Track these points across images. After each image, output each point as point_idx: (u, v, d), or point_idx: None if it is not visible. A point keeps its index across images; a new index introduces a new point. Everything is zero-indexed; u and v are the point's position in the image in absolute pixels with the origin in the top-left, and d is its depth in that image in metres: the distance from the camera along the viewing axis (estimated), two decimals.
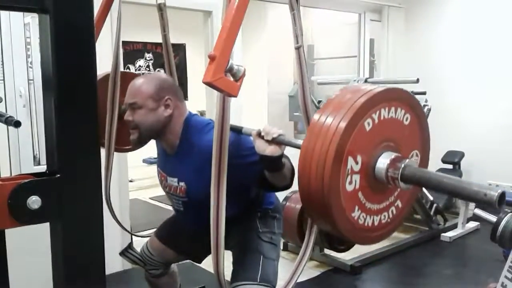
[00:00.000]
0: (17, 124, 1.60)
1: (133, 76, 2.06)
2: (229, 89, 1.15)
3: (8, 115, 1.63)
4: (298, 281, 1.49)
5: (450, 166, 4.77)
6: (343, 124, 0.97)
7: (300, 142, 1.34)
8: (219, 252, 1.38)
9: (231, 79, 1.17)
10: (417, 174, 1.01)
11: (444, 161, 4.78)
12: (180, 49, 6.44)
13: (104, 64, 1.81)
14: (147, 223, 3.80)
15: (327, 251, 3.47)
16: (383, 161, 1.03)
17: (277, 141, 1.36)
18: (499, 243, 2.08)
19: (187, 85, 6.24)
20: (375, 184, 1.05)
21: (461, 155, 4.74)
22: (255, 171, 1.54)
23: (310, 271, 3.33)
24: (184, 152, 1.74)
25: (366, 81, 3.51)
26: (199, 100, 4.53)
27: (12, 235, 1.49)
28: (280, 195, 3.39)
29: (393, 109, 1.06)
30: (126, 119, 1.72)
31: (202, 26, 3.87)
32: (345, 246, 3.38)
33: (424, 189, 4.05)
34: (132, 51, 6.24)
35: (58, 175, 0.96)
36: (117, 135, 1.93)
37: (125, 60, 5.97)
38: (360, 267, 3.33)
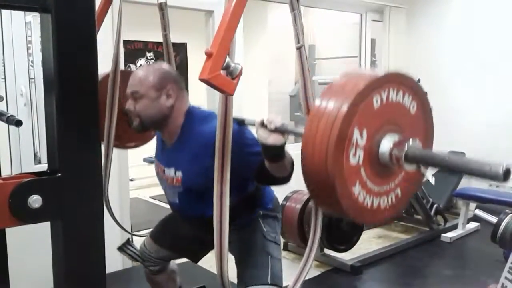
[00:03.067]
0: (18, 123, 1.60)
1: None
2: (226, 86, 1.15)
3: (9, 114, 1.63)
4: None
5: None
6: (353, 94, 0.99)
7: (301, 129, 1.35)
8: (222, 252, 1.38)
9: (228, 76, 1.17)
10: (421, 153, 1.02)
11: None
12: (181, 48, 6.44)
13: (104, 63, 1.81)
14: (147, 222, 3.79)
15: (327, 251, 3.47)
16: (388, 141, 1.04)
17: (280, 130, 1.36)
18: (499, 244, 2.09)
19: (187, 85, 6.23)
20: (377, 164, 1.06)
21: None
22: (255, 162, 1.55)
23: (310, 271, 3.29)
24: (183, 141, 1.74)
25: None
26: (200, 100, 4.52)
27: (13, 233, 1.49)
28: (280, 195, 3.39)
29: (401, 93, 1.08)
30: (127, 108, 1.72)
31: (203, 25, 3.87)
32: (345, 246, 3.38)
33: (424, 189, 4.05)
34: (133, 50, 6.24)
35: (59, 174, 0.96)
36: (119, 132, 1.93)
37: (126, 59, 5.97)
38: (360, 267, 3.33)
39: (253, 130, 1.51)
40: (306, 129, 1.04)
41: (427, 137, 1.19)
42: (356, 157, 1.02)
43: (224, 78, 1.15)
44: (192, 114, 1.76)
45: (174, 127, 1.75)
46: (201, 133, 1.67)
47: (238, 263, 1.83)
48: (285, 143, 1.40)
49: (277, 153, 1.42)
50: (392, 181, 1.13)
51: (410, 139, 1.04)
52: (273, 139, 1.36)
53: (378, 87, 1.03)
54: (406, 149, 1.02)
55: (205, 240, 1.70)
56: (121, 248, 2.13)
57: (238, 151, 1.45)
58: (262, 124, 1.38)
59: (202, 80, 1.12)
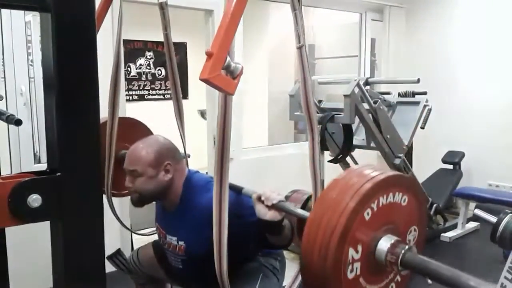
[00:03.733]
0: (18, 122, 1.60)
1: (130, 122, 2.06)
2: (226, 86, 1.14)
3: (9, 114, 1.62)
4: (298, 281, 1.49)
5: (450, 166, 4.77)
6: (343, 220, 0.99)
7: (299, 211, 1.34)
8: (221, 252, 1.37)
9: (229, 76, 1.17)
10: (415, 261, 1.03)
11: (444, 161, 4.78)
12: (181, 48, 6.43)
13: (104, 62, 1.81)
14: (146, 222, 3.78)
15: None
16: (383, 246, 1.05)
17: (277, 207, 1.36)
18: (499, 244, 2.08)
19: (187, 84, 6.23)
20: (375, 266, 1.06)
21: (462, 155, 4.74)
22: (255, 232, 1.55)
23: None
24: (184, 211, 1.75)
25: (367, 80, 3.50)
26: (200, 99, 4.52)
27: (12, 233, 1.49)
28: None
29: (391, 194, 1.08)
30: (126, 186, 1.74)
31: (203, 25, 3.87)
32: None
33: (423, 188, 4.04)
34: (132, 50, 6.23)
35: (59, 174, 0.96)
36: (116, 180, 1.93)
37: (125, 58, 5.96)
38: None
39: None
40: (302, 254, 1.05)
41: (421, 221, 1.20)
42: (353, 272, 1.02)
43: (224, 78, 1.14)
44: (191, 183, 1.77)
45: (174, 197, 1.77)
46: (200, 205, 1.67)
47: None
48: (282, 220, 1.40)
49: (276, 228, 1.42)
50: (391, 272, 1.13)
51: (406, 245, 1.04)
52: (270, 216, 1.37)
53: (368, 201, 1.02)
54: (401, 256, 1.02)
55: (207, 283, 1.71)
56: (111, 258, 2.11)
57: (235, 221, 1.42)
58: (259, 199, 1.38)
59: (202, 80, 1.11)
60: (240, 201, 1.62)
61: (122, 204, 3.27)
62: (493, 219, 2.13)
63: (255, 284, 1.75)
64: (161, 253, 2.01)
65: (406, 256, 1.02)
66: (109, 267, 1.72)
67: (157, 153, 1.70)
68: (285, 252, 3.62)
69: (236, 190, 1.61)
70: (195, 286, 1.89)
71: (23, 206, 0.92)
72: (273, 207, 1.36)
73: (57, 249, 1.01)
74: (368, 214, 1.02)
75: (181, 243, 1.76)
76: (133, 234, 3.38)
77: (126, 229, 2.61)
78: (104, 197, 1.99)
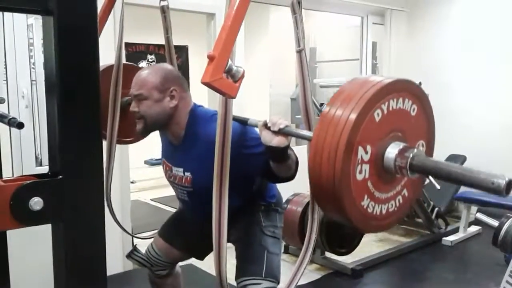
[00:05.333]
0: (20, 125, 1.60)
1: (131, 68, 2.06)
2: (228, 89, 1.15)
3: (11, 117, 1.62)
4: (299, 283, 1.49)
5: None
6: (353, 115, 0.99)
7: (305, 133, 1.35)
8: (221, 254, 1.38)
9: (230, 80, 1.17)
10: (425, 163, 1.03)
11: None
12: (182, 51, 6.45)
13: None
14: (148, 225, 3.80)
15: (328, 254, 3.46)
16: (391, 151, 1.05)
17: (283, 132, 1.36)
18: (500, 248, 2.08)
19: (189, 87, 6.26)
20: (383, 173, 1.07)
21: (463, 159, 4.73)
22: (259, 162, 1.55)
23: (311, 274, 3.32)
24: (189, 142, 1.74)
25: None
26: (202, 102, 4.52)
27: (14, 234, 1.49)
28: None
29: (401, 100, 1.09)
30: (131, 110, 1.72)
31: (205, 28, 3.88)
32: (346, 249, 3.38)
33: (425, 192, 4.04)
34: (134, 53, 6.25)
35: (60, 177, 0.96)
36: (119, 127, 1.93)
37: (127, 61, 5.98)
38: (361, 271, 3.33)
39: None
40: (310, 156, 1.05)
41: (429, 136, 1.20)
42: (362, 173, 1.03)
43: (226, 81, 1.15)
44: (196, 114, 1.77)
45: (178, 128, 1.75)
46: (206, 134, 1.67)
47: (236, 256, 1.83)
48: (288, 145, 1.40)
49: (281, 154, 1.42)
50: (399, 184, 1.14)
51: (415, 149, 1.05)
52: (276, 141, 1.37)
53: (377, 101, 1.03)
54: (410, 159, 1.03)
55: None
56: (129, 255, 2.12)
57: (240, 152, 1.46)
58: (265, 126, 1.38)
59: (204, 83, 1.12)
60: (245, 131, 1.62)
61: (123, 208, 3.28)
62: (495, 223, 2.13)
63: (262, 267, 1.75)
64: (168, 234, 2.07)
65: (415, 159, 1.02)
66: (110, 269, 1.73)
67: (163, 77, 1.70)
68: (285, 255, 3.64)
69: (241, 122, 1.61)
70: (201, 220, 1.87)
71: (25, 209, 0.92)
72: (279, 132, 1.35)
73: (59, 252, 1.01)
74: (378, 114, 1.03)
75: (187, 174, 1.76)
76: (134, 238, 3.39)
77: (126, 233, 2.61)
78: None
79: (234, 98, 1.22)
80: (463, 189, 4.53)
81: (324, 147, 1.01)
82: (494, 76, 4.63)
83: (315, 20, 6.62)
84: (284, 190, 3.41)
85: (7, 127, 1.76)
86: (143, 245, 2.18)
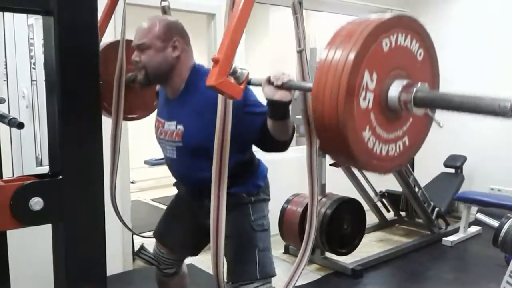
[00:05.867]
0: (20, 125, 1.60)
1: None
2: (233, 92, 1.16)
3: (11, 117, 1.62)
4: (298, 284, 1.49)
5: (452, 170, 4.76)
6: (365, 33, 1.00)
7: (308, 83, 1.35)
8: (218, 255, 1.38)
9: (235, 82, 1.18)
10: (429, 95, 1.04)
11: (446, 165, 4.77)
12: None
13: None
14: (148, 225, 3.78)
15: (328, 254, 3.46)
16: (396, 85, 1.05)
17: (287, 87, 1.36)
18: (501, 248, 2.08)
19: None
20: (386, 110, 1.07)
21: (463, 159, 4.73)
22: (257, 122, 1.56)
23: (311, 274, 3.32)
24: (187, 95, 1.74)
25: None
26: None
27: (14, 234, 1.50)
28: (281, 198, 3.39)
29: (409, 38, 1.10)
30: (133, 60, 1.71)
31: (205, 28, 3.88)
32: (346, 249, 3.38)
33: (425, 192, 4.04)
34: None
35: (61, 177, 0.96)
36: (124, 104, 1.92)
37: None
38: (361, 271, 3.32)
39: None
40: (316, 74, 1.04)
41: (434, 83, 1.21)
42: (366, 101, 1.02)
43: (231, 83, 1.16)
44: (198, 70, 1.76)
45: (179, 80, 1.74)
46: (206, 89, 1.68)
47: (226, 255, 1.75)
48: (291, 100, 1.40)
49: (283, 109, 1.42)
50: (400, 128, 1.14)
51: (419, 83, 1.05)
52: (279, 95, 1.37)
53: (387, 30, 1.04)
54: (414, 92, 1.02)
55: (204, 225, 1.73)
56: (137, 255, 2.12)
57: (240, 111, 1.45)
58: (269, 82, 1.39)
59: (209, 86, 1.13)
60: (245, 92, 1.61)
61: (124, 208, 3.28)
62: (495, 223, 2.13)
63: (255, 268, 1.74)
64: (161, 234, 2.08)
65: (419, 92, 1.02)
66: (110, 269, 1.73)
67: (166, 27, 1.69)
68: (285, 256, 3.64)
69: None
70: (187, 181, 1.86)
71: (25, 209, 0.93)
72: (282, 87, 1.36)
73: (59, 252, 1.02)
74: (386, 44, 1.04)
75: (179, 127, 1.74)
76: (134, 237, 3.39)
77: (127, 232, 2.61)
78: (107, 200, 1.99)
79: (239, 99, 1.23)
80: (463, 189, 4.53)
81: (328, 75, 1.01)
82: (494, 75, 4.63)
83: (316, 20, 6.62)
84: (285, 191, 3.43)
85: (8, 127, 1.76)
86: (145, 245, 2.18)
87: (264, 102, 1.51)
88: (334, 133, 1.04)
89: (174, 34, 1.70)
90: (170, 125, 1.78)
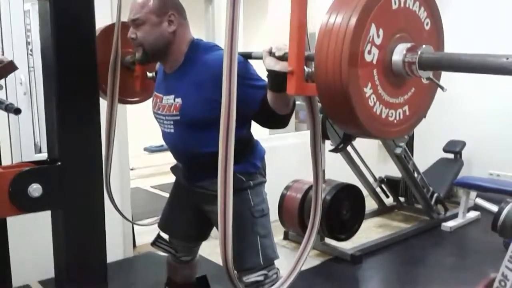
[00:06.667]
0: (17, 111, 1.60)
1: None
2: (312, 91, 1.18)
3: (8, 102, 1.62)
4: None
5: (451, 156, 4.76)
6: None
7: (312, 52, 1.35)
8: (226, 242, 1.37)
9: (311, 82, 1.22)
10: (434, 56, 1.03)
11: (445, 150, 4.77)
12: None
13: None
14: (148, 212, 3.80)
15: (327, 240, 3.47)
16: (401, 48, 1.05)
17: (287, 58, 1.36)
18: (500, 233, 2.08)
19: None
20: (390, 73, 1.07)
21: (463, 144, 4.73)
22: (258, 95, 1.56)
23: (310, 260, 3.34)
24: (187, 68, 1.73)
25: None
26: None
27: (14, 222, 1.50)
28: (280, 185, 3.40)
29: (417, 3, 1.10)
30: (129, 37, 1.70)
31: (203, 13, 3.85)
32: (345, 235, 3.39)
33: (424, 178, 4.05)
34: None
35: (59, 163, 0.95)
36: (124, 87, 1.90)
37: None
38: (360, 257, 3.34)
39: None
40: (321, 26, 1.04)
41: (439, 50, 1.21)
42: (371, 55, 1.02)
43: (309, 86, 1.20)
44: (196, 44, 1.75)
45: (178, 55, 1.73)
46: (206, 62, 1.65)
47: None
48: (292, 71, 1.40)
49: (284, 81, 1.41)
50: (402, 96, 1.14)
51: (423, 45, 1.04)
52: (280, 66, 1.36)
53: None
54: (419, 54, 1.02)
55: (205, 211, 1.73)
56: (155, 243, 2.10)
57: (240, 83, 1.43)
58: (270, 53, 1.38)
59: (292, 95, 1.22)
60: (246, 65, 1.63)
61: (123, 195, 3.28)
62: (494, 208, 2.13)
63: (258, 256, 1.74)
64: (163, 225, 2.07)
65: (424, 54, 1.02)
66: (110, 256, 1.73)
67: (160, 1, 1.67)
68: (285, 242, 3.65)
69: (245, 56, 1.62)
70: (185, 157, 1.85)
71: (24, 195, 0.92)
72: (284, 58, 1.36)
73: (58, 239, 1.01)
74: (395, 2, 1.04)
75: (177, 100, 1.73)
76: (134, 224, 3.40)
77: (127, 220, 2.61)
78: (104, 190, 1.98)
79: (316, 95, 1.24)
80: (462, 174, 4.54)
81: (334, 25, 1.01)
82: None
83: (314, 5, 6.57)
84: (285, 177, 3.44)
85: (6, 114, 1.76)
86: (142, 233, 2.17)
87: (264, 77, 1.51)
88: (336, 87, 1.03)
89: (169, 8, 1.68)
90: (168, 99, 1.76)
